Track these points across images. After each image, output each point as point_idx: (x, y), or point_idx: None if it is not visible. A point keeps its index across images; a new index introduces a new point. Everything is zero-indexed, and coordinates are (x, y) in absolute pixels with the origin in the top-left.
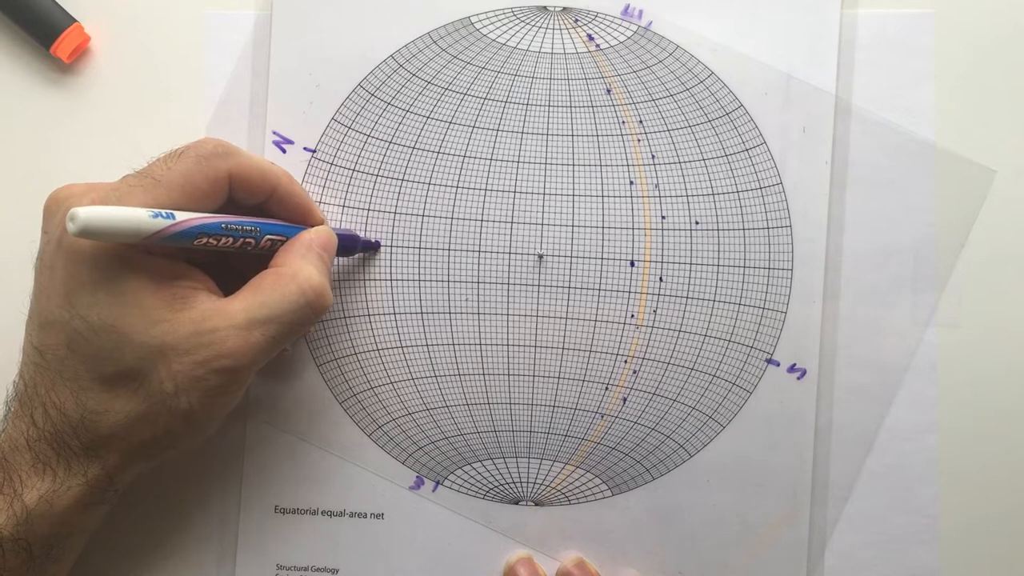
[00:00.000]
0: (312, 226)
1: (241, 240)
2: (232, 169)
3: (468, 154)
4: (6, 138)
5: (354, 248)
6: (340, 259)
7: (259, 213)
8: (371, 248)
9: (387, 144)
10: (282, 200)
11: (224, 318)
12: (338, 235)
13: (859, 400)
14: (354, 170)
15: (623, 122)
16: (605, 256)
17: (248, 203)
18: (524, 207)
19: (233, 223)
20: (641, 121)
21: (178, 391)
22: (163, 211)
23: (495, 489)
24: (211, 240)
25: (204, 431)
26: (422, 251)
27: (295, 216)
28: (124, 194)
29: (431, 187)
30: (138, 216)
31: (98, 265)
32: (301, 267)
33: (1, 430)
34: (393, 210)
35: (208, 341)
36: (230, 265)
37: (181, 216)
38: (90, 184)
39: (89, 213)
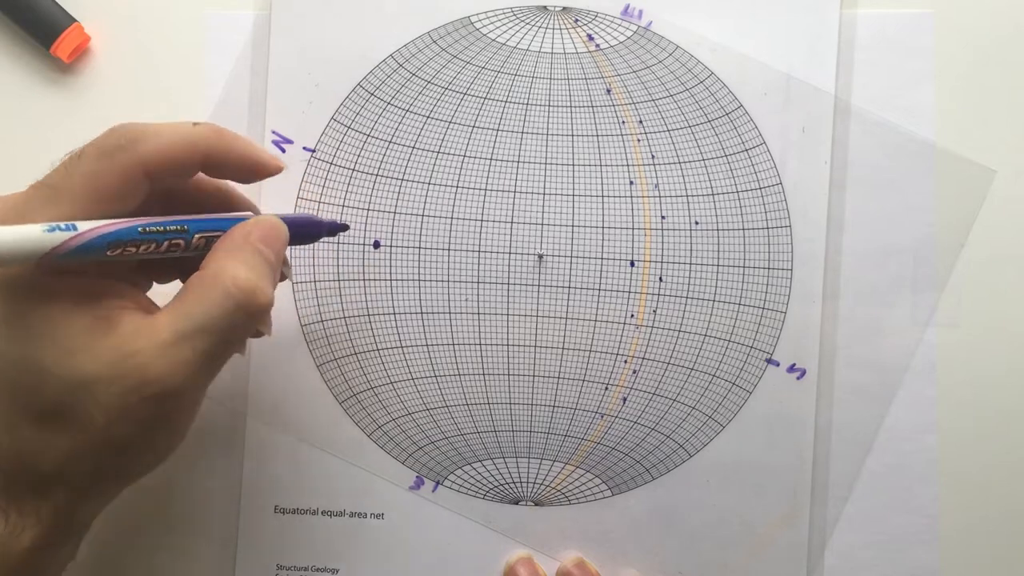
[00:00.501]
0: (271, 175)
1: (167, 243)
2: (144, 157)
3: (468, 154)
4: (6, 138)
5: (318, 233)
6: (340, 258)
7: (215, 198)
8: (337, 230)
9: (387, 144)
10: (225, 163)
11: (148, 337)
12: (292, 220)
13: (859, 400)
14: (354, 170)
15: (623, 122)
16: (605, 256)
17: (185, 188)
18: (524, 207)
19: (152, 224)
20: (641, 121)
21: (110, 423)
22: (62, 223)
23: (495, 489)
24: (128, 248)
25: (151, 460)
26: (422, 251)
27: (249, 175)
28: (23, 211)
29: (431, 187)
30: (28, 234)
31: (5, 294)
32: (225, 265)
33: None
34: (393, 210)
35: (132, 366)
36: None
37: (85, 225)
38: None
39: None
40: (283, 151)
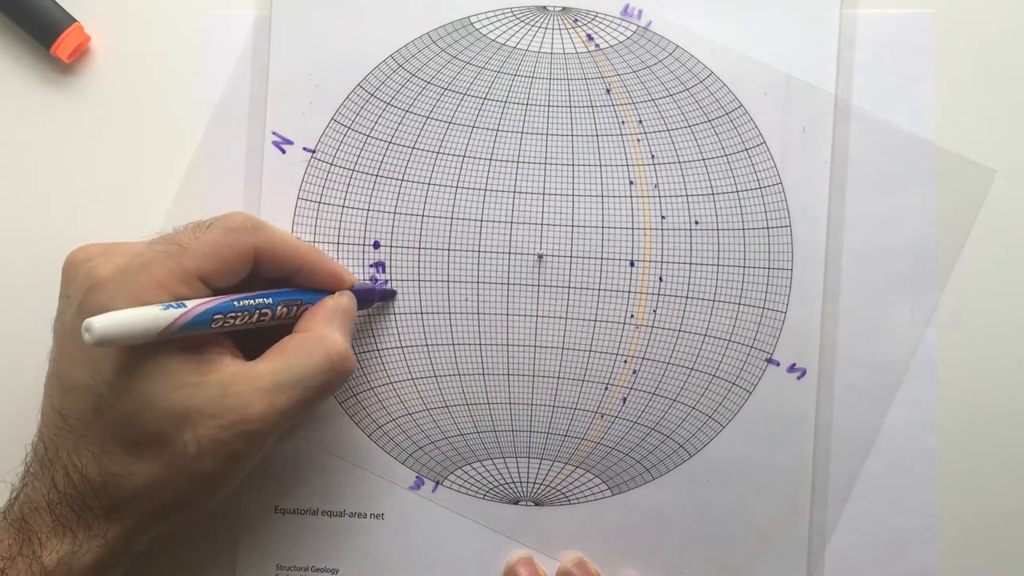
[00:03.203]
0: (343, 289)
1: (257, 314)
2: (258, 244)
3: (468, 154)
4: (6, 138)
5: (370, 300)
6: (340, 259)
7: (280, 284)
8: (387, 297)
9: (387, 144)
10: (309, 275)
11: (250, 381)
12: (357, 290)
13: (859, 400)
14: (354, 170)
15: (623, 122)
16: (605, 256)
17: (272, 277)
18: (524, 207)
19: (245, 298)
20: (641, 121)
21: (201, 454)
22: (174, 302)
23: (495, 489)
24: (227, 320)
25: (223, 493)
26: (422, 251)
27: (324, 286)
28: (149, 260)
29: (431, 187)
30: (151, 315)
31: None
32: (327, 332)
33: (20, 490)
34: (393, 210)
35: (233, 405)
36: (252, 333)
37: (192, 303)
38: (109, 245)
39: (104, 324)
40: (283, 152)
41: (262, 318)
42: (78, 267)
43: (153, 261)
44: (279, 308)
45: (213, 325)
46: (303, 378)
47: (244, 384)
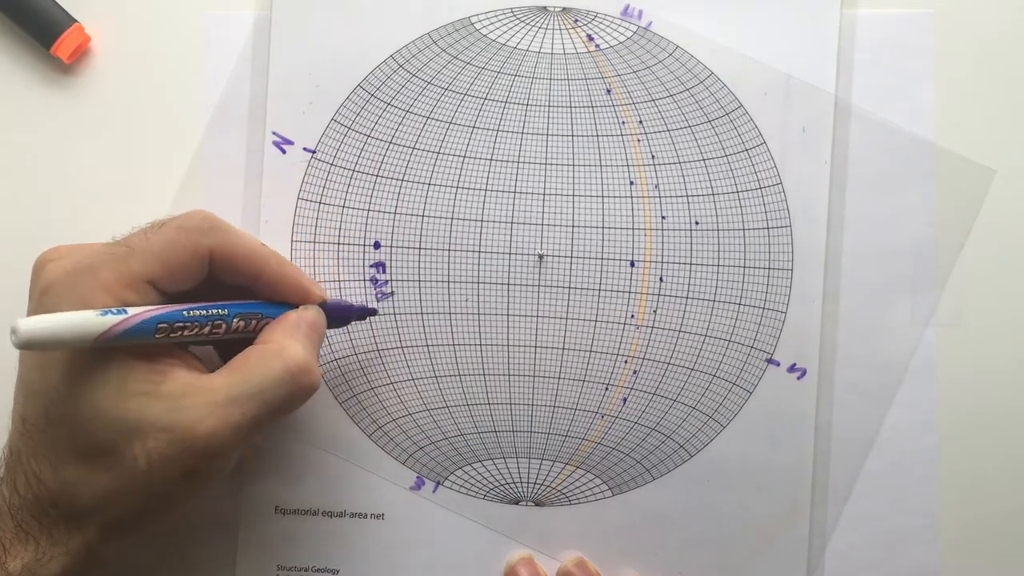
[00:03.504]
0: (312, 303)
1: (210, 325)
2: (215, 247)
3: (468, 154)
4: (6, 138)
5: (346, 319)
6: (340, 259)
7: (246, 294)
8: (367, 314)
9: (387, 144)
10: (271, 284)
11: (203, 395)
12: (329, 307)
13: (859, 400)
14: (354, 170)
15: (623, 122)
16: (605, 256)
17: (231, 283)
18: (524, 207)
19: (196, 308)
20: (641, 121)
21: (151, 469)
22: (113, 308)
23: (495, 489)
24: (173, 332)
25: (180, 509)
26: (422, 251)
27: (288, 298)
28: (96, 262)
29: (431, 187)
30: (84, 320)
31: None
32: (287, 344)
33: None
34: (393, 210)
35: (184, 419)
36: (226, 347)
37: (135, 310)
38: (75, 246)
39: (30, 327)
40: (283, 152)
41: (215, 331)
42: (40, 270)
43: (101, 264)
44: (235, 321)
45: (158, 335)
46: (259, 391)
47: (197, 397)
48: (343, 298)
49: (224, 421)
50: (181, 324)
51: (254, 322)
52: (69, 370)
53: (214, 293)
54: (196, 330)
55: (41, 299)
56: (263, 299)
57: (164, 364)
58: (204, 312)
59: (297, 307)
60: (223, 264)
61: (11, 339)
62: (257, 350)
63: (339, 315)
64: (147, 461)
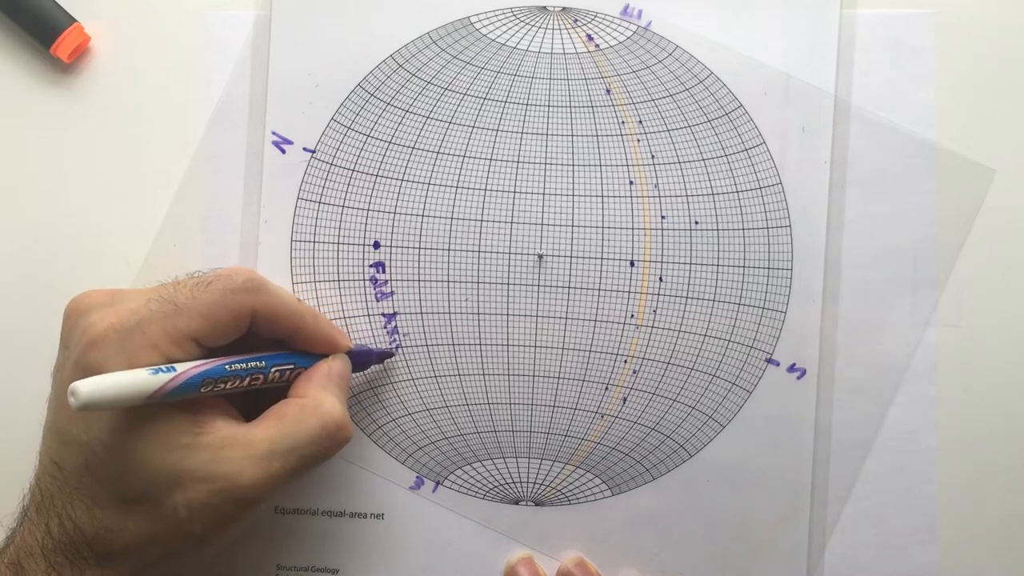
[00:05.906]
0: (339, 352)
1: (248, 378)
2: (257, 306)
3: (468, 154)
4: (6, 138)
5: (367, 363)
6: (340, 258)
7: (277, 345)
8: (386, 357)
9: (387, 144)
10: (305, 338)
11: (244, 448)
12: (353, 354)
13: (859, 400)
14: (354, 170)
15: (623, 122)
16: (605, 256)
17: (267, 337)
18: (524, 207)
19: (237, 361)
20: (641, 121)
21: (192, 518)
22: (163, 366)
23: (495, 489)
24: (217, 385)
25: (215, 549)
26: (422, 251)
27: (319, 349)
28: (144, 319)
29: (431, 187)
30: (139, 380)
31: None
32: (323, 399)
33: (15, 533)
34: (393, 210)
35: (225, 471)
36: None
37: (182, 367)
38: (110, 294)
39: (90, 389)
40: (283, 151)
41: (253, 382)
42: (78, 318)
43: (148, 320)
44: (272, 372)
45: (203, 389)
46: (298, 446)
47: (238, 450)
48: (362, 343)
49: (265, 472)
50: (224, 378)
51: (288, 372)
52: (115, 424)
53: (246, 343)
54: (237, 382)
55: (86, 352)
56: (295, 350)
57: (204, 415)
58: (244, 366)
59: (326, 355)
60: (264, 323)
61: (70, 400)
62: (295, 404)
63: (361, 360)
64: (188, 511)
